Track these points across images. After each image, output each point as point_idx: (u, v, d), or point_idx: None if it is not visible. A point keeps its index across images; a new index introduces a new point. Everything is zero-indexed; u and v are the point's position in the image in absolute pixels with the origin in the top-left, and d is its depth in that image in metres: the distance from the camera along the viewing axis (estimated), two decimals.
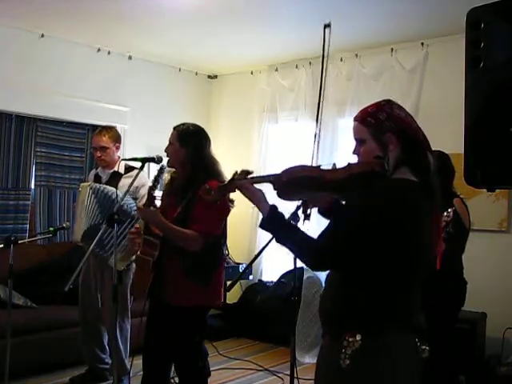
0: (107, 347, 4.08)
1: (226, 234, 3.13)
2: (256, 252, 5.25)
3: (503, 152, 1.61)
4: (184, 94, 6.28)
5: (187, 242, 2.89)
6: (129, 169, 3.99)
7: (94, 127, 5.23)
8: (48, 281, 4.68)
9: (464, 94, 1.71)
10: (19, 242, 3.34)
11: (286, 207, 1.95)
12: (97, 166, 4.24)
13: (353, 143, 1.87)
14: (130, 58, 5.72)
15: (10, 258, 3.25)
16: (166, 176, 3.28)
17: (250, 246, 5.75)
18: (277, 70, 5.85)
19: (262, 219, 1.85)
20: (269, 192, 1.91)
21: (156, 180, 3.03)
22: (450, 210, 3.20)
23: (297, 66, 5.67)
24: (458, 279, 3.58)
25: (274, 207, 1.85)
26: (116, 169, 3.97)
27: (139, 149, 5.18)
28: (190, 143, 3.01)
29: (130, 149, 5.28)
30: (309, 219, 1.92)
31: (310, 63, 5.50)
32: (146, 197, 3.16)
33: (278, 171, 1.87)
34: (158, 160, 3.10)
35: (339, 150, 5.29)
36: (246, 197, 1.92)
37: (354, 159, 1.85)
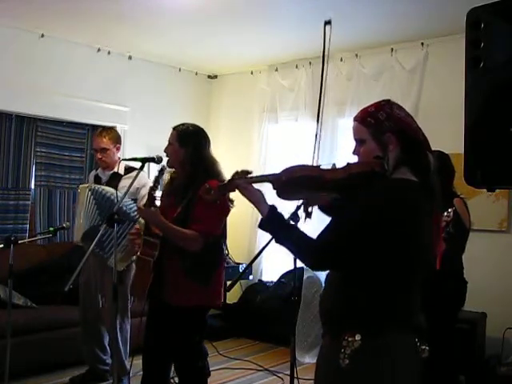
0: (108, 348, 4.08)
1: (226, 233, 3.14)
2: (256, 252, 5.26)
3: (503, 152, 1.61)
4: (184, 93, 6.28)
5: (187, 242, 2.89)
6: (129, 169, 3.99)
7: (94, 127, 5.25)
8: (48, 281, 4.68)
9: (464, 94, 1.71)
10: (19, 242, 3.34)
11: (286, 207, 1.95)
12: (97, 167, 4.24)
13: (353, 143, 1.87)
14: (130, 58, 5.72)
15: (10, 258, 3.25)
16: (166, 176, 3.28)
17: (250, 246, 5.75)
18: (277, 70, 5.85)
19: (261, 219, 1.85)
20: (268, 192, 1.91)
21: (157, 181, 3.03)
22: (450, 209, 3.19)
23: (297, 66, 5.67)
24: (458, 279, 3.58)
25: (273, 207, 1.85)
26: (116, 170, 3.97)
27: (139, 149, 5.18)
28: (190, 143, 3.02)
29: (129, 149, 5.28)
30: (310, 217, 1.92)
31: (310, 63, 5.49)
32: (146, 197, 3.16)
33: (278, 171, 1.87)
34: (158, 160, 3.10)
35: (339, 149, 5.29)
36: (245, 197, 1.92)
37: (354, 159, 1.85)
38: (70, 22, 4.78)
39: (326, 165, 1.86)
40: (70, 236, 5.20)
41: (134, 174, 3.55)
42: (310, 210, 1.91)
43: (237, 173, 2.00)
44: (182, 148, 3.01)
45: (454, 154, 3.46)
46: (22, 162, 5.11)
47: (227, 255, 5.45)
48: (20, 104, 4.95)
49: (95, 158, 4.21)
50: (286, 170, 1.85)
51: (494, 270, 4.47)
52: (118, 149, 4.03)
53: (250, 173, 2.01)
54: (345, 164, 1.80)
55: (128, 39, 5.23)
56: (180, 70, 6.18)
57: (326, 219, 1.79)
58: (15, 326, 3.59)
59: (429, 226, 1.77)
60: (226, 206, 2.93)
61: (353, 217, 1.72)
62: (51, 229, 3.69)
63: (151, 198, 3.00)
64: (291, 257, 2.04)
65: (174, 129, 3.10)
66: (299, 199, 1.93)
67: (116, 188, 3.71)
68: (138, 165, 3.21)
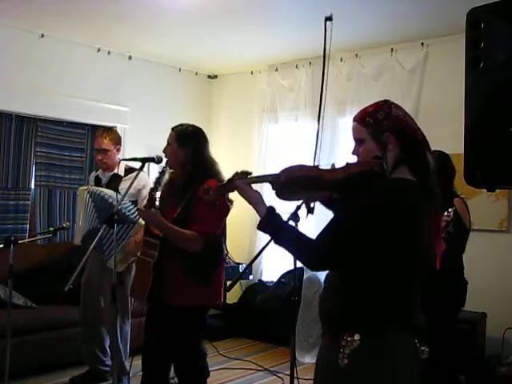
0: (108, 349, 4.08)
1: (226, 233, 3.14)
2: (256, 252, 5.26)
3: (503, 152, 1.61)
4: (184, 94, 6.28)
5: (187, 243, 2.89)
6: (129, 170, 3.98)
7: (94, 127, 5.25)
8: (48, 281, 4.68)
9: (464, 94, 1.71)
10: (19, 242, 3.34)
11: (286, 208, 1.95)
12: (97, 168, 4.24)
13: (352, 143, 1.87)
14: (130, 58, 5.72)
15: (10, 258, 3.25)
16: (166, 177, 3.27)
17: (250, 246, 5.75)
18: (277, 70, 5.85)
19: (260, 221, 1.84)
20: (268, 192, 1.90)
21: (158, 182, 3.03)
22: (450, 209, 3.19)
23: (297, 66, 5.66)
24: (458, 279, 3.58)
25: (271, 208, 1.84)
26: (116, 171, 3.97)
27: (139, 149, 5.18)
28: (189, 144, 3.02)
29: (130, 149, 5.28)
30: (312, 213, 1.92)
31: (310, 63, 5.49)
32: (147, 198, 3.16)
33: (277, 171, 1.87)
34: (157, 160, 3.10)
35: (339, 149, 5.29)
36: (244, 198, 1.93)
37: (354, 159, 1.85)
38: (69, 22, 4.78)
39: (325, 165, 1.86)
40: (70, 236, 5.21)
41: (134, 174, 3.55)
42: (311, 205, 1.91)
43: (236, 173, 2.00)
44: (182, 148, 3.01)
45: (454, 154, 3.46)
46: (22, 162, 5.11)
47: (227, 255, 5.45)
48: (20, 104, 4.95)
49: (95, 159, 4.21)
50: (285, 171, 1.85)
51: (494, 269, 4.47)
52: (118, 150, 4.03)
53: (250, 174, 2.00)
54: (344, 164, 1.80)
55: (128, 39, 5.23)
56: (180, 70, 6.18)
57: (326, 219, 1.79)
58: (15, 326, 3.59)
59: (428, 226, 1.77)
60: (225, 206, 2.93)
61: (352, 217, 1.72)
62: (51, 229, 3.69)
63: (152, 199, 3.00)
64: (291, 257, 2.04)
65: (173, 129, 3.09)
66: (299, 199, 1.92)
67: (116, 189, 3.71)
68: (137, 165, 3.21)
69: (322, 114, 2.28)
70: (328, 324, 1.84)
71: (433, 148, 1.90)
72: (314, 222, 1.96)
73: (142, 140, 5.58)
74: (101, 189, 3.86)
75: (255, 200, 1.89)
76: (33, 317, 4.30)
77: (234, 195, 2.20)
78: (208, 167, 3.01)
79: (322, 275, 4.75)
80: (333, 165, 1.86)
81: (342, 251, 1.71)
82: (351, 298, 1.75)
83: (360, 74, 5.20)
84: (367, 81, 5.16)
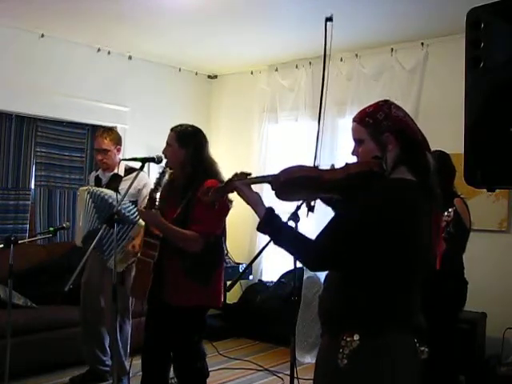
0: (108, 349, 4.08)
1: (226, 233, 3.14)
2: (256, 252, 5.26)
3: (503, 152, 1.61)
4: (184, 94, 6.28)
5: (187, 243, 2.89)
6: (129, 170, 3.98)
7: (94, 127, 5.25)
8: (48, 281, 4.68)
9: (464, 94, 1.71)
10: (19, 242, 3.34)
11: (286, 207, 1.95)
12: (97, 168, 4.24)
13: (352, 143, 1.87)
14: (130, 58, 5.72)
15: (10, 258, 3.25)
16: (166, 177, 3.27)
17: (250, 246, 5.75)
18: (277, 70, 5.85)
19: (259, 222, 1.84)
20: (268, 193, 1.90)
21: (158, 183, 3.03)
22: (450, 209, 3.19)
23: (297, 66, 5.66)
24: (458, 279, 3.58)
25: (270, 209, 1.84)
26: (116, 171, 3.97)
27: (139, 149, 5.17)
28: (190, 144, 3.01)
29: (130, 149, 5.27)
30: (313, 211, 1.92)
31: (310, 63, 5.49)
32: (147, 198, 3.16)
33: (277, 171, 1.87)
34: (157, 160, 3.10)
35: (339, 149, 5.29)
36: (243, 199, 1.93)
37: (354, 160, 1.85)
38: (70, 22, 4.78)
39: (324, 165, 1.86)
40: (70, 236, 5.22)
41: (134, 175, 3.56)
42: (312, 203, 1.91)
43: (236, 174, 2.00)
44: (182, 149, 3.01)
45: (454, 154, 3.46)
46: (22, 162, 5.11)
47: (227, 255, 5.45)
48: (20, 104, 4.95)
49: (95, 159, 4.20)
50: (285, 171, 1.84)
51: (494, 269, 4.47)
52: (118, 150, 4.03)
53: (249, 174, 2.00)
54: (343, 164, 1.80)
55: (128, 39, 5.23)
56: (180, 69, 6.18)
57: (326, 219, 1.79)
58: (15, 326, 3.59)
59: (427, 226, 1.77)
60: (225, 206, 2.93)
61: (351, 217, 1.72)
62: (51, 229, 3.69)
63: (152, 200, 3.00)
64: (291, 257, 2.04)
65: (172, 130, 3.09)
66: (298, 200, 1.92)
67: (116, 189, 3.71)
68: (137, 165, 3.21)
69: (324, 113, 2.29)
70: (327, 324, 1.84)
71: (433, 148, 1.89)
72: (314, 221, 1.95)
73: (142, 140, 5.58)
74: (101, 189, 3.85)
75: (254, 201, 1.89)
76: (33, 317, 4.30)
77: (233, 195, 2.21)
78: (208, 167, 3.01)
79: (322, 275, 4.75)
80: (332, 165, 1.86)
81: (342, 251, 1.71)
82: (351, 298, 1.75)
83: (360, 74, 5.20)
84: (367, 81, 5.16)
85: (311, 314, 4.86)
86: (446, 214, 3.12)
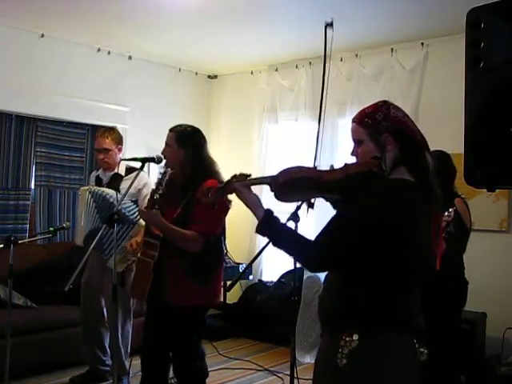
0: (108, 349, 4.08)
1: (225, 233, 3.14)
2: (256, 252, 5.25)
3: (503, 152, 1.61)
4: (184, 94, 6.28)
5: (187, 243, 2.89)
6: (129, 170, 3.98)
7: (94, 127, 5.25)
8: (48, 281, 4.68)
9: (464, 94, 1.70)
10: (19, 242, 3.34)
11: (285, 207, 1.95)
12: (97, 168, 4.24)
13: (352, 144, 1.87)
14: (130, 58, 5.72)
15: (10, 258, 3.25)
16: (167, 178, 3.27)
17: (250, 246, 5.75)
18: (277, 70, 5.85)
19: (258, 224, 1.84)
20: (268, 194, 1.90)
21: (159, 183, 3.02)
22: (451, 209, 3.19)
23: (297, 66, 5.66)
24: (459, 279, 3.58)
25: (269, 211, 1.84)
26: (117, 171, 3.97)
27: (139, 149, 5.17)
28: (189, 144, 3.02)
29: (130, 149, 5.27)
30: (313, 208, 1.92)
31: (310, 63, 5.49)
32: (147, 197, 3.16)
33: (276, 172, 1.87)
34: (158, 160, 3.10)
35: (339, 150, 5.29)
36: (242, 200, 1.92)
37: (354, 160, 1.85)
38: (70, 22, 4.78)
39: (323, 166, 1.86)
40: (70, 236, 5.21)
41: (134, 174, 3.56)
42: (312, 200, 1.91)
43: (235, 176, 1.99)
44: (182, 149, 3.01)
45: (454, 154, 3.46)
46: (22, 162, 5.11)
47: (226, 255, 5.45)
48: (20, 104, 4.95)
49: (96, 159, 4.20)
50: (284, 172, 1.84)
51: (494, 269, 4.47)
52: (119, 150, 4.03)
53: (248, 176, 1.99)
54: (342, 165, 1.80)
55: (128, 39, 5.23)
56: (180, 70, 6.18)
57: (326, 219, 1.79)
58: (15, 326, 3.59)
59: (427, 226, 1.76)
60: (225, 206, 2.93)
61: (350, 217, 1.72)
62: (51, 229, 3.69)
63: (153, 200, 3.00)
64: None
65: (171, 130, 3.09)
66: (297, 201, 1.92)
67: (117, 189, 3.71)
68: (138, 165, 3.21)
69: (324, 114, 2.29)
70: (327, 324, 1.84)
71: (433, 148, 1.89)
72: (314, 221, 1.95)
73: (142, 140, 5.58)
74: (102, 189, 3.85)
75: (253, 202, 1.89)
76: (33, 317, 4.30)
77: (232, 196, 2.21)
78: (207, 167, 3.01)
79: (322, 275, 4.75)
80: (331, 166, 1.86)
81: (341, 252, 1.71)
82: (351, 298, 1.75)
83: (360, 74, 5.20)
84: (367, 81, 5.16)
85: (311, 314, 4.86)
86: (446, 214, 3.12)
